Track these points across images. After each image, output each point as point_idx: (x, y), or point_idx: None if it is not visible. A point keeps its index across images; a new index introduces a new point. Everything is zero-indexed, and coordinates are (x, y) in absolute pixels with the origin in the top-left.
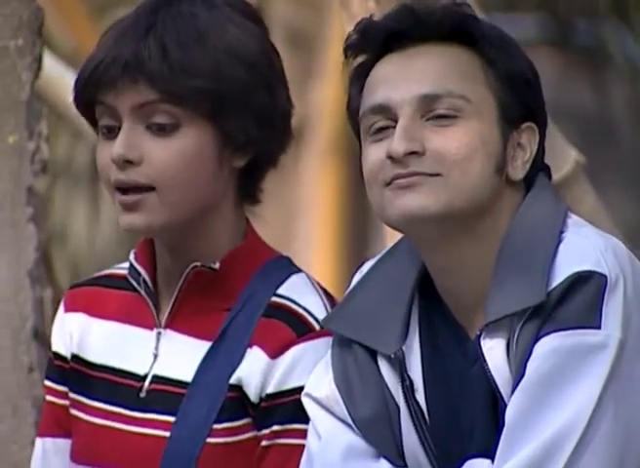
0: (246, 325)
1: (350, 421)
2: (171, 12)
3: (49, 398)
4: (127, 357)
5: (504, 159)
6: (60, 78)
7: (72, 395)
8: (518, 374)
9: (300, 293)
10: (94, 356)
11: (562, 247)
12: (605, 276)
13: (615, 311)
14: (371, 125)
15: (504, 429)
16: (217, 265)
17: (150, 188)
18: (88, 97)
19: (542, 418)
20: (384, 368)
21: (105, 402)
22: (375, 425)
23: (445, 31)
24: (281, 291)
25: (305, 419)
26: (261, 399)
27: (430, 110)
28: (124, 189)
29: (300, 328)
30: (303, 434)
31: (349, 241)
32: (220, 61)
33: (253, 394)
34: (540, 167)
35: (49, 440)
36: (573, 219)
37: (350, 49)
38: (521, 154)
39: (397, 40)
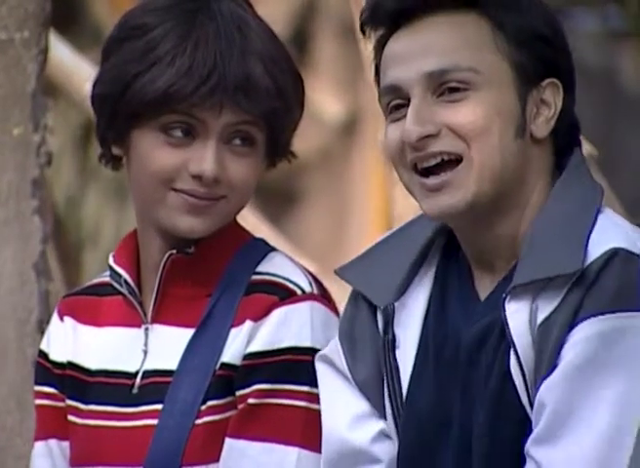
0: (227, 307)
1: (349, 376)
2: (228, 17)
3: (42, 402)
4: (118, 358)
5: (524, 120)
6: (76, 68)
7: (69, 402)
8: (555, 345)
9: (278, 266)
10: (92, 364)
11: (599, 223)
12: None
13: None
14: (387, 103)
15: (547, 412)
16: (191, 249)
17: None
18: (167, 106)
19: (594, 402)
20: (380, 323)
21: (99, 403)
22: (370, 386)
23: None
24: (260, 268)
25: (295, 380)
26: (243, 358)
27: (440, 86)
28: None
29: (281, 293)
30: (296, 395)
31: None
32: (282, 77)
33: (237, 359)
34: (569, 122)
35: (41, 443)
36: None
37: (364, 26)
38: (545, 111)
39: (404, 16)
